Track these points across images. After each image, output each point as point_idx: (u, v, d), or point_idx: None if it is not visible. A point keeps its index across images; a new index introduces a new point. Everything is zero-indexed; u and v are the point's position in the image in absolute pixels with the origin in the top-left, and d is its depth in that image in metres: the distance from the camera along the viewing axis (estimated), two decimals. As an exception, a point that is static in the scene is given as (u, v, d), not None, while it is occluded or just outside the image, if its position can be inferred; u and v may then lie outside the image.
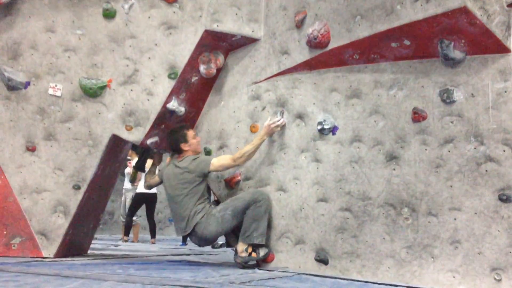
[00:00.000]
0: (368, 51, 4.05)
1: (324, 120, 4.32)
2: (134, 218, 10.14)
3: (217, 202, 5.12)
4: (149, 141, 5.11)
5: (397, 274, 3.87)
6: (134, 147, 8.69)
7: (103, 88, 5.08)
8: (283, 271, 4.32)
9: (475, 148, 3.68)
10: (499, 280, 3.53)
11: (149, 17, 4.97)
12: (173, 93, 4.94)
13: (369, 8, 3.87)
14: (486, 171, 3.63)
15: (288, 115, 4.55)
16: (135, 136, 5.05)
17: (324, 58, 4.26)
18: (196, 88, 5.05)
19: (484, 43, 3.60)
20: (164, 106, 4.95)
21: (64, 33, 5.16)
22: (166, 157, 5.68)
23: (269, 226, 4.59)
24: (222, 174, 4.92)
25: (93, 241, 6.01)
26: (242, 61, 4.92)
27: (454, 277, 3.66)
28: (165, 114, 5.02)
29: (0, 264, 4.27)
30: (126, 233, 9.88)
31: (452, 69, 3.77)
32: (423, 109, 3.88)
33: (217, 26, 4.76)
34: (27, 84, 5.22)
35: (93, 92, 5.08)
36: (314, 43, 4.22)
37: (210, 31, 4.78)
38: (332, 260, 4.20)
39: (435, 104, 3.84)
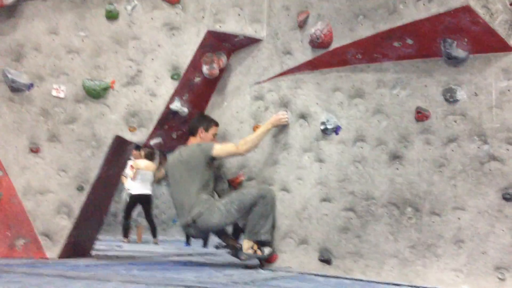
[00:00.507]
0: (371, 50, 4.05)
1: (327, 120, 4.32)
2: (138, 218, 10.16)
3: None
4: (152, 142, 5.12)
5: (401, 274, 3.87)
6: (137, 147, 8.73)
7: (106, 89, 5.09)
8: (287, 271, 4.32)
9: (478, 147, 3.68)
10: (503, 280, 3.52)
11: (151, 18, 4.97)
12: (176, 94, 4.95)
13: (371, 8, 3.87)
14: (490, 170, 3.63)
15: (291, 115, 4.55)
16: (138, 137, 5.06)
17: (326, 58, 4.26)
18: (199, 89, 5.05)
19: (487, 42, 3.60)
20: (167, 107, 4.96)
21: (67, 35, 5.18)
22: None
23: (273, 225, 4.58)
24: (225, 174, 4.91)
25: (96, 242, 6.01)
26: (245, 62, 4.93)
27: (458, 276, 3.66)
28: (168, 115, 5.02)
29: (4, 266, 4.28)
30: (125, 234, 9.89)
31: (455, 68, 3.76)
32: (426, 108, 3.87)
33: (220, 26, 4.77)
34: (31, 86, 5.23)
35: (96, 94, 5.09)
36: (316, 43, 4.22)
37: (212, 31, 4.79)
38: (336, 260, 4.19)
39: (438, 103, 3.83)
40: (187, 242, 9.26)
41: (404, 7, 3.68)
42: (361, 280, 3.92)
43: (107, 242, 9.21)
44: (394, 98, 4.03)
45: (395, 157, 3.99)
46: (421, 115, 3.89)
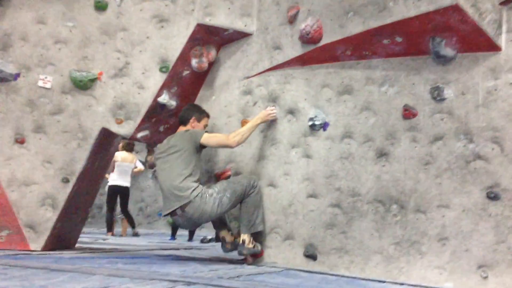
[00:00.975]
0: (360, 47, 4.05)
1: (315, 116, 4.32)
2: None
3: None
4: (139, 135, 5.09)
5: (385, 270, 3.89)
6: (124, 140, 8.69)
7: (93, 80, 5.05)
8: (272, 266, 4.33)
9: (464, 146, 3.70)
10: (486, 278, 3.55)
11: (141, 10, 4.94)
12: (165, 86, 4.92)
13: (361, 4, 3.87)
14: (475, 168, 3.65)
15: (279, 110, 4.55)
16: (125, 129, 5.03)
17: (316, 54, 4.26)
18: (188, 82, 5.03)
19: (475, 41, 3.62)
20: (155, 99, 4.93)
21: (55, 25, 5.12)
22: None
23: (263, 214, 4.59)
24: (212, 168, 4.91)
25: (81, 235, 5.97)
26: (234, 56, 4.91)
27: (441, 273, 3.68)
28: (156, 108, 4.99)
29: (-13, 256, 4.24)
30: (109, 228, 9.85)
31: (443, 66, 3.78)
32: (414, 106, 3.89)
33: (210, 20, 4.74)
34: (17, 75, 5.17)
35: (83, 85, 5.05)
36: (306, 39, 4.22)
37: (202, 25, 4.76)
38: (321, 255, 4.21)
39: (425, 101, 3.85)
40: (173, 236, 9.24)
41: (394, 4, 3.69)
42: (345, 276, 3.93)
43: (91, 235, 9.16)
44: (382, 95, 4.04)
45: (382, 154, 4.01)
46: (408, 113, 3.91)
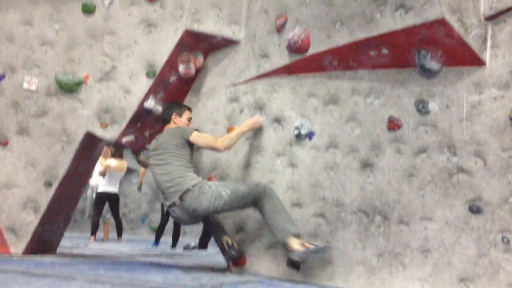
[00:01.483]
0: (347, 58, 4.07)
1: (301, 125, 4.33)
2: (107, 216, 10.04)
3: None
4: (124, 140, 5.06)
5: (368, 282, 3.89)
6: (109, 144, 8.62)
7: (79, 84, 5.02)
8: (255, 275, 4.31)
9: (447, 159, 3.73)
10: (467, 290, 3.57)
11: (129, 14, 4.92)
12: (151, 91, 4.90)
13: (349, 16, 3.90)
14: (458, 181, 3.68)
15: (265, 118, 4.55)
16: (110, 134, 5.00)
17: (303, 63, 4.28)
18: (174, 88, 5.02)
19: (460, 55, 3.65)
20: (141, 104, 4.91)
21: (41, 27, 5.09)
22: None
23: (242, 229, 4.58)
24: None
25: (63, 239, 5.91)
26: (221, 63, 4.91)
27: (423, 286, 3.70)
28: (142, 113, 4.97)
29: (-34, 260, 4.17)
30: (93, 232, 9.76)
31: (428, 79, 3.82)
32: (399, 118, 3.91)
33: (198, 26, 4.74)
34: (2, 77, 5.13)
35: (69, 88, 5.01)
36: (294, 48, 4.23)
37: (190, 31, 4.76)
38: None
39: (410, 114, 3.88)
40: (156, 242, 9.18)
41: (381, 16, 3.71)
42: (328, 287, 3.93)
43: (73, 239, 9.07)
44: (367, 106, 4.06)
45: (367, 165, 4.02)
46: (393, 125, 3.93)
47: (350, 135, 4.12)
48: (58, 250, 5.74)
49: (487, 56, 3.65)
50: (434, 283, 3.66)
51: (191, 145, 4.47)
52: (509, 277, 3.43)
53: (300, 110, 4.38)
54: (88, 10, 5.00)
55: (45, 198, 5.04)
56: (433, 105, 3.80)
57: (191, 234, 11.74)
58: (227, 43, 4.82)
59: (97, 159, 5.97)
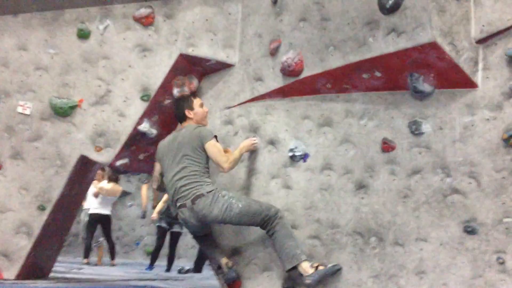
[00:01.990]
0: (340, 81, 4.12)
1: (296, 147, 4.35)
2: (100, 239, 9.97)
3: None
4: (118, 163, 5.05)
5: (364, 304, 3.87)
6: (102, 168, 8.59)
7: (73, 107, 5.02)
8: (250, 298, 4.28)
9: (441, 180, 3.75)
10: (463, 311, 3.56)
11: (124, 39, 4.96)
12: (145, 115, 4.92)
13: (342, 40, 3.95)
14: (452, 202, 3.70)
15: (260, 140, 4.56)
16: (104, 157, 4.99)
17: (297, 86, 4.31)
18: (169, 111, 5.03)
19: (452, 78, 3.70)
20: (136, 128, 4.92)
21: (36, 51, 5.11)
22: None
23: (238, 252, 4.55)
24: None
25: (55, 263, 5.85)
26: (216, 86, 4.94)
27: (419, 307, 3.68)
28: (136, 136, 4.98)
29: (-42, 286, 4.12)
30: (86, 255, 9.67)
31: (421, 101, 3.86)
32: (393, 140, 3.94)
33: (192, 50, 4.78)
34: (-4, 101, 5.13)
35: (63, 112, 5.02)
36: (287, 71, 4.27)
37: (185, 55, 4.80)
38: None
39: (404, 135, 3.91)
40: (151, 265, 9.10)
41: (373, 40, 3.77)
42: (324, 309, 3.91)
43: (66, 264, 8.98)
44: (361, 128, 4.09)
45: (361, 186, 4.04)
46: (387, 146, 3.96)
47: (344, 157, 4.13)
48: (51, 274, 5.68)
49: (479, 78, 3.70)
50: (431, 305, 3.65)
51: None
52: (505, 298, 3.43)
53: (294, 132, 4.40)
54: (83, 35, 5.03)
55: (38, 222, 5.00)
56: (426, 127, 3.83)
57: (186, 257, 11.64)
58: (221, 67, 4.86)
59: (91, 182, 5.95)
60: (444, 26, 3.53)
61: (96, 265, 9.64)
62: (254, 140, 4.52)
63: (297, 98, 4.40)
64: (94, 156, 5.00)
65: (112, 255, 9.79)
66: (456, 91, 3.75)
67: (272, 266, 4.34)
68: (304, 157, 4.32)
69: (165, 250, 9.17)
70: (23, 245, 4.99)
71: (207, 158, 4.27)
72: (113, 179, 9.52)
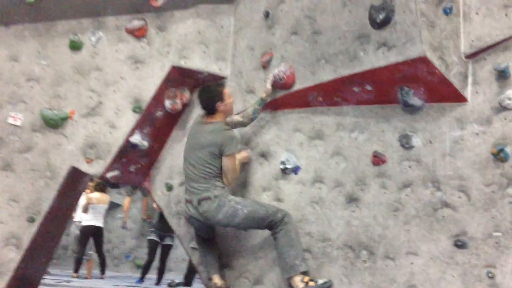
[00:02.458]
0: (332, 94, 4.14)
1: (287, 160, 4.35)
2: (90, 252, 9.89)
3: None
4: (109, 175, 5.03)
5: (354, 317, 3.86)
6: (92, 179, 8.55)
7: (64, 119, 5.00)
8: (240, 312, 4.25)
9: (432, 194, 3.76)
10: (454, 325, 3.55)
11: (116, 51, 4.96)
12: (137, 127, 4.91)
13: (333, 53, 3.98)
14: (443, 216, 3.71)
15: (251, 153, 4.57)
16: (95, 169, 4.97)
17: (288, 99, 4.33)
18: (161, 123, 5.03)
19: (442, 92, 3.73)
20: (127, 139, 4.91)
21: (28, 63, 5.10)
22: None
23: (229, 265, 4.53)
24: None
25: (45, 276, 5.79)
26: (207, 99, 4.93)
27: (410, 321, 3.67)
28: (127, 148, 4.96)
29: None
30: (76, 269, 9.57)
31: (411, 115, 3.88)
32: (383, 153, 3.96)
33: (185, 62, 4.79)
34: (-13, 112, 5.09)
35: (54, 123, 4.99)
36: (279, 84, 4.29)
37: (177, 67, 4.81)
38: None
39: (394, 149, 3.93)
40: (141, 278, 9.03)
41: (364, 54, 3.79)
42: (314, 323, 3.89)
43: (56, 277, 8.89)
44: (352, 141, 4.10)
45: (352, 199, 4.04)
46: (377, 159, 3.97)
47: (335, 170, 4.14)
48: (40, 287, 5.62)
49: (468, 93, 3.73)
50: (421, 319, 3.64)
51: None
52: (495, 312, 3.43)
53: (285, 145, 4.41)
54: (75, 46, 5.03)
55: (27, 234, 4.95)
56: (416, 140, 3.85)
57: (176, 270, 11.56)
58: (213, 79, 4.87)
59: (81, 194, 5.91)
60: (434, 41, 3.56)
61: (85, 278, 9.56)
62: (247, 153, 4.52)
63: (289, 111, 4.42)
64: (84, 167, 4.98)
65: (103, 268, 9.69)
66: (446, 105, 3.77)
67: (262, 279, 4.33)
68: (296, 170, 4.33)
69: (155, 262, 9.11)
70: (12, 257, 4.93)
71: (220, 164, 4.23)
72: (99, 188, 9.55)
